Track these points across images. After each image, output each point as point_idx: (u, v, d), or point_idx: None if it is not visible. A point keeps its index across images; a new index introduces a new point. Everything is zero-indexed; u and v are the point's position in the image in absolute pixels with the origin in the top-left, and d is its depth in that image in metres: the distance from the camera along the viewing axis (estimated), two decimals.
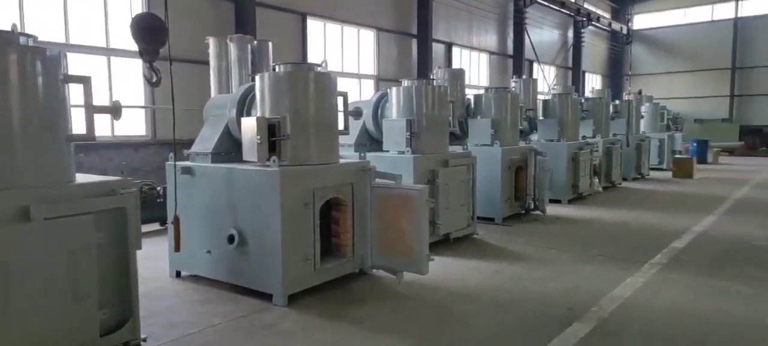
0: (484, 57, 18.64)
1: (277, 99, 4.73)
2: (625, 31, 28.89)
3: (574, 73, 24.99)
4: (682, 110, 26.92)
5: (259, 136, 4.46)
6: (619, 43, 29.04)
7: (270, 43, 9.70)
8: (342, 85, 6.53)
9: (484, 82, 18.19)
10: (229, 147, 5.22)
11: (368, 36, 13.84)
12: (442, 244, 6.53)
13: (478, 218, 8.08)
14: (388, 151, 6.62)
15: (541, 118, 10.60)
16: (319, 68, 4.99)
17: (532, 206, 8.62)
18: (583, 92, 22.73)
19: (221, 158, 5.13)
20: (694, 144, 18.80)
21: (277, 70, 4.91)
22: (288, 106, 4.71)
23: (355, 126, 7.22)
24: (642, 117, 15.76)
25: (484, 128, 8.28)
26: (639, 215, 8.84)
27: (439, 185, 6.36)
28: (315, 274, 4.74)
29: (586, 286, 4.99)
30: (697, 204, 9.91)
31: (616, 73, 29.22)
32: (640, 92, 17.59)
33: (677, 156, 15.43)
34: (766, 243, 6.67)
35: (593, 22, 25.24)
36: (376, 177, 5.18)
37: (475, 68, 18.01)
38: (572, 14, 23.85)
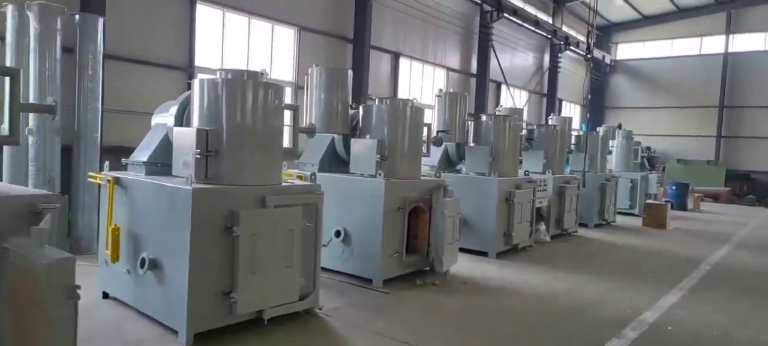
0: (441, 73, 16.46)
1: None
2: (607, 60, 26.98)
3: (549, 99, 22.91)
4: (665, 149, 24.89)
5: None
6: (601, 73, 27.08)
7: (101, 20, 7.33)
8: None
9: None
10: None
11: (288, 34, 11.60)
12: (247, 329, 4.19)
13: (354, 277, 5.83)
14: (184, 177, 4.29)
15: (471, 144, 8.34)
16: None
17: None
18: None
19: None
20: (674, 187, 16.65)
21: None
22: None
23: (155, 138, 4.94)
24: (610, 152, 13.57)
25: (367, 152, 5.98)
26: (579, 283, 6.54)
27: (240, 236, 4.03)
28: None
29: None
30: (662, 268, 7.64)
31: (597, 104, 27.19)
32: (619, 126, 15.52)
33: (649, 201, 13.20)
34: None
35: (571, 47, 23.20)
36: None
37: (428, 85, 15.81)
38: (548, 36, 21.83)
